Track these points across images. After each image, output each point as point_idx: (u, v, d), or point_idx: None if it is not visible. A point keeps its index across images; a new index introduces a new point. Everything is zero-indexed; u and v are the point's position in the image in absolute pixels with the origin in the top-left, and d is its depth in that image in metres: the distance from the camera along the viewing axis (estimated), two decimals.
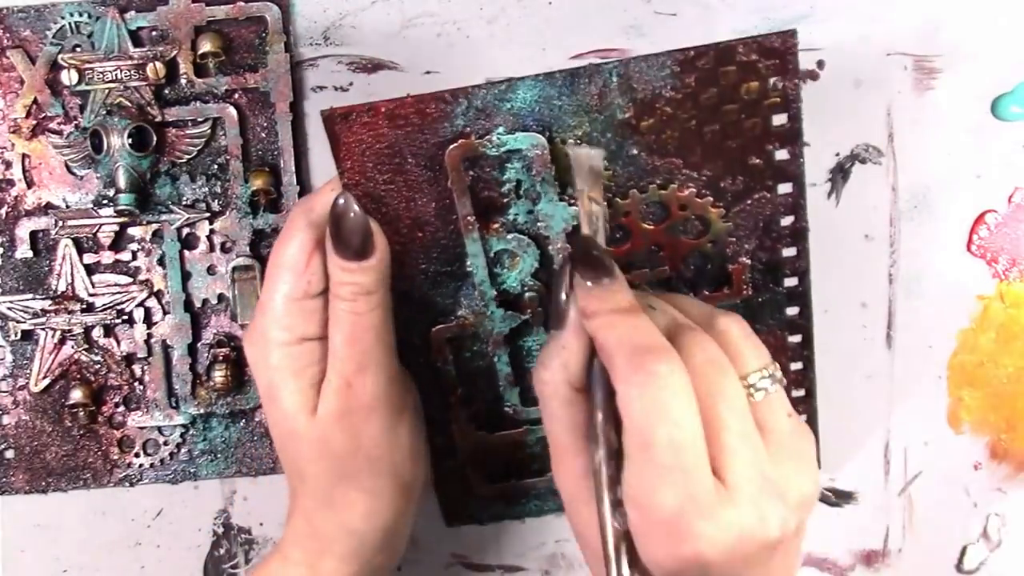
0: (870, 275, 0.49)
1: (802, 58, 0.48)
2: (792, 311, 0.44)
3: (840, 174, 0.49)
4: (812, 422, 0.46)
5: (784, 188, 0.41)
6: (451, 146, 0.39)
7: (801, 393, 0.46)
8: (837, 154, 0.49)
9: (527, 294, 0.42)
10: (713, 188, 0.41)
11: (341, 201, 0.38)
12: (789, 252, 0.43)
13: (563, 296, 0.37)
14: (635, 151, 0.40)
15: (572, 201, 0.41)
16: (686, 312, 0.38)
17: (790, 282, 0.43)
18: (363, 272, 0.38)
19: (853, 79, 0.48)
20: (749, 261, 0.42)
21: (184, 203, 0.48)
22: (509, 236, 0.41)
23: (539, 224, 0.41)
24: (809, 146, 0.48)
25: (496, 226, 0.41)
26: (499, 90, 0.39)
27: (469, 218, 0.41)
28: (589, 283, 0.36)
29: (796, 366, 0.45)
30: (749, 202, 0.42)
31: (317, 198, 0.40)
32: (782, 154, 0.41)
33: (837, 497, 0.51)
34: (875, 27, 0.48)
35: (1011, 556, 0.51)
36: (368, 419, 0.39)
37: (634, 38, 0.48)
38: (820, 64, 0.48)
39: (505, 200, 0.41)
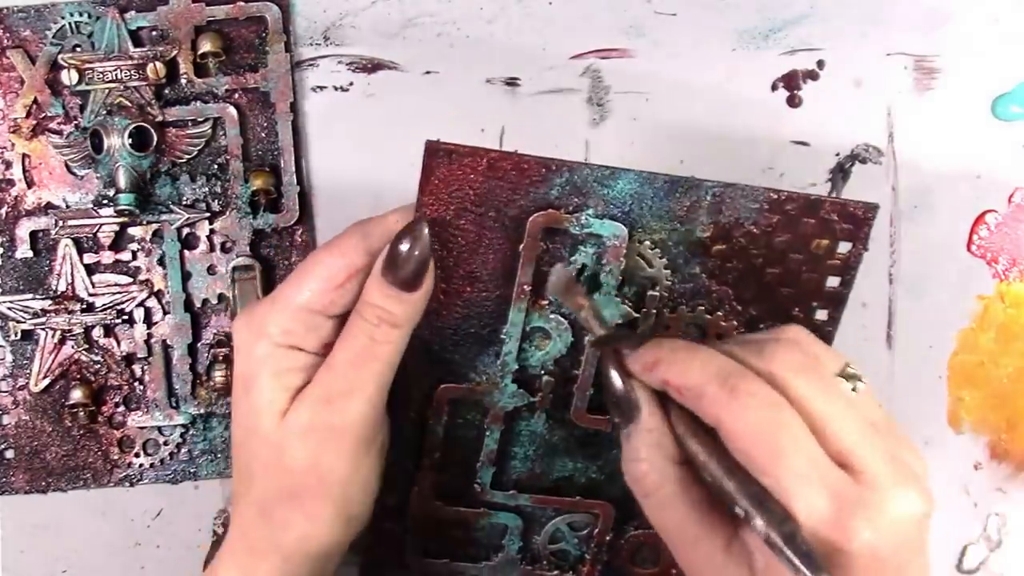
0: (870, 275, 0.49)
1: (802, 58, 0.48)
2: None
3: (840, 174, 0.49)
4: None
5: None
6: (538, 213, 0.39)
7: None
8: (837, 154, 0.49)
9: (544, 377, 0.42)
10: (752, 328, 0.42)
11: (416, 229, 0.37)
12: None
13: (619, 384, 0.36)
14: (697, 270, 0.41)
15: (624, 300, 0.41)
16: (747, 341, 0.37)
17: None
18: (400, 303, 0.37)
19: (853, 79, 0.48)
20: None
21: (184, 203, 0.48)
22: (551, 316, 0.41)
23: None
24: (809, 146, 0.48)
25: (544, 303, 0.41)
26: (602, 174, 0.39)
27: (525, 287, 0.40)
28: (630, 350, 0.36)
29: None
30: None
31: (378, 225, 0.38)
32: (822, 315, 0.42)
33: None
34: (875, 27, 0.48)
35: (1011, 556, 0.51)
36: (334, 443, 0.37)
37: (634, 38, 0.48)
38: (820, 64, 0.48)
39: None
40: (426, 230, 0.37)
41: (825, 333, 0.42)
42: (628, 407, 0.36)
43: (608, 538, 0.45)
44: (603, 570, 0.46)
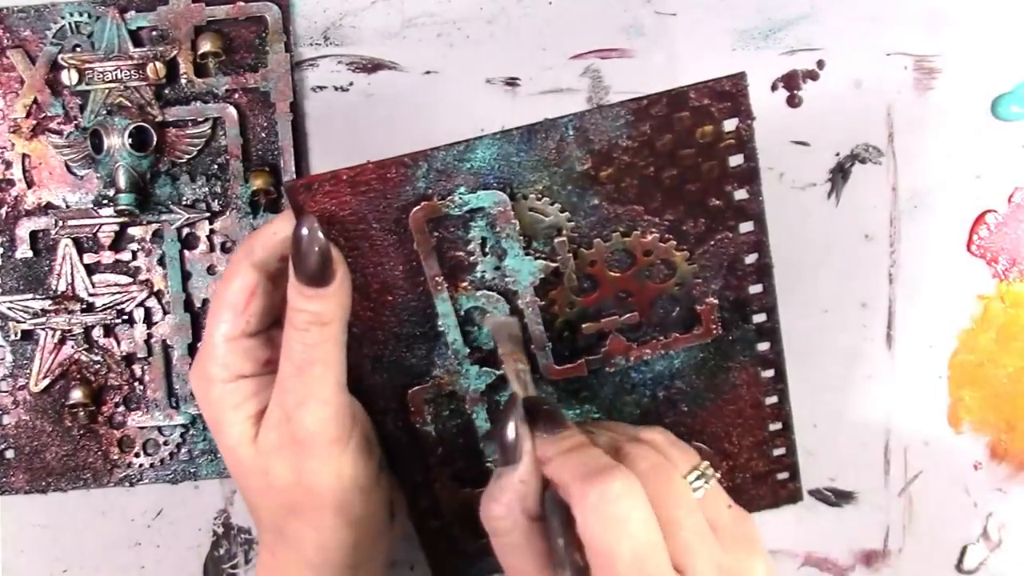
0: (870, 275, 0.49)
1: (802, 58, 0.48)
2: (763, 347, 0.44)
3: (840, 174, 0.49)
4: (791, 453, 0.47)
5: (746, 227, 0.42)
6: (414, 209, 0.40)
7: (778, 427, 0.46)
8: (837, 154, 0.49)
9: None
10: (676, 232, 0.42)
11: (303, 225, 0.37)
12: (756, 289, 0.43)
13: (511, 435, 0.37)
14: (596, 201, 0.41)
15: (537, 255, 0.41)
16: (616, 431, 0.41)
17: (759, 318, 0.44)
18: (320, 300, 0.38)
19: (853, 79, 0.48)
20: (716, 301, 0.43)
21: (184, 203, 0.48)
22: (478, 293, 0.42)
23: (507, 279, 0.41)
24: (809, 146, 0.48)
25: (465, 284, 0.41)
26: (458, 151, 0.39)
27: (437, 278, 0.41)
28: (545, 434, 0.37)
29: (771, 400, 0.45)
30: (712, 243, 0.42)
31: (258, 238, 0.39)
32: (741, 194, 0.41)
33: (837, 497, 0.51)
34: (875, 27, 0.48)
35: (1011, 556, 0.51)
36: (306, 453, 0.38)
37: (634, 38, 0.48)
38: (820, 64, 0.48)
39: (472, 258, 0.41)
40: (315, 223, 0.38)
41: (752, 210, 0.42)
42: (511, 455, 0.37)
43: None
44: None
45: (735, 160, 0.41)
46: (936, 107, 0.49)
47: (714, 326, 0.43)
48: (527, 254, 0.41)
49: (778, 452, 0.46)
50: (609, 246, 0.41)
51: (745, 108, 0.40)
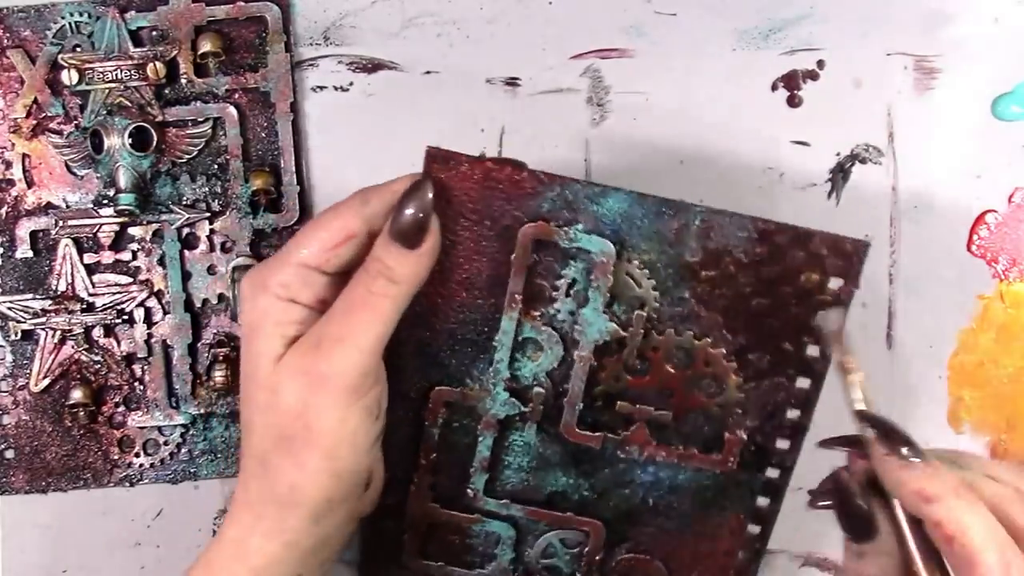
0: (870, 275, 0.49)
1: (802, 58, 0.48)
2: (763, 502, 0.44)
3: (840, 174, 0.49)
4: None
5: (803, 383, 0.42)
6: (529, 224, 0.40)
7: None
8: (837, 154, 0.49)
9: (535, 389, 0.43)
10: (741, 356, 0.42)
11: (420, 186, 0.38)
12: (783, 444, 0.43)
13: (859, 500, 0.35)
14: (687, 295, 0.41)
15: (612, 318, 0.42)
16: (998, 475, 0.36)
17: (772, 473, 0.44)
18: (400, 258, 0.38)
19: (853, 79, 0.48)
20: (745, 437, 0.43)
21: (184, 203, 0.48)
22: (543, 328, 0.42)
23: (576, 327, 0.42)
24: (809, 146, 0.48)
25: (536, 314, 0.42)
26: (593, 191, 0.40)
27: (516, 296, 0.41)
28: (916, 459, 0.34)
29: (744, 555, 0.45)
30: (767, 383, 0.42)
31: (378, 192, 0.40)
32: (813, 351, 0.42)
33: None
34: (875, 27, 0.48)
35: None
36: (321, 388, 0.38)
37: (634, 38, 0.48)
38: (820, 64, 0.48)
39: (554, 293, 0.42)
40: (429, 187, 0.38)
41: (816, 371, 0.42)
42: (864, 526, 0.35)
43: (598, 558, 0.46)
44: None
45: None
46: (936, 107, 0.49)
47: (732, 459, 0.43)
48: (604, 312, 0.41)
49: None
50: (678, 341, 0.42)
51: (855, 272, 0.41)
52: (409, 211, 0.38)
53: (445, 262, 0.41)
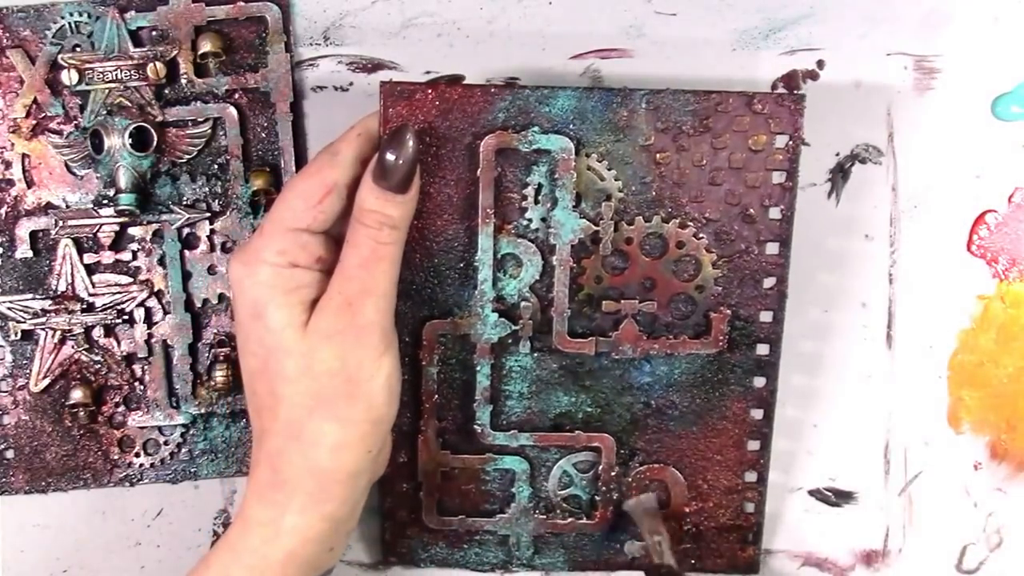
0: (870, 275, 0.49)
1: (802, 58, 0.48)
2: (759, 382, 0.45)
3: (840, 174, 0.49)
4: (759, 513, 0.47)
5: (772, 248, 0.44)
6: (488, 136, 0.42)
7: (753, 478, 0.46)
8: (837, 154, 0.49)
9: (522, 304, 0.44)
10: (710, 232, 0.44)
11: (406, 134, 0.39)
12: (766, 316, 0.44)
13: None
14: (649, 179, 0.43)
15: (583, 215, 0.43)
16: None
17: (762, 349, 0.45)
18: (395, 205, 0.39)
19: (853, 79, 0.48)
20: (729, 312, 0.44)
21: (184, 203, 0.48)
22: (519, 241, 0.43)
23: (550, 231, 0.43)
24: (809, 146, 0.48)
25: (510, 227, 0.43)
26: (542, 93, 0.42)
27: (488, 210, 0.43)
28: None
29: (753, 445, 0.46)
30: (737, 254, 0.44)
31: (343, 142, 0.41)
32: (775, 212, 0.43)
33: (837, 497, 0.51)
34: (875, 27, 0.48)
35: (1011, 556, 0.51)
36: (359, 341, 0.39)
37: (634, 38, 0.48)
38: (820, 64, 0.48)
39: (524, 203, 0.43)
40: (411, 132, 0.39)
41: (781, 233, 0.43)
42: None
43: (613, 474, 0.46)
44: (614, 510, 0.47)
45: (777, 177, 0.43)
46: (936, 107, 0.49)
47: (722, 338, 0.44)
48: (575, 210, 0.43)
49: (748, 508, 0.47)
50: (649, 227, 0.43)
51: (797, 127, 0.43)
52: (398, 159, 0.39)
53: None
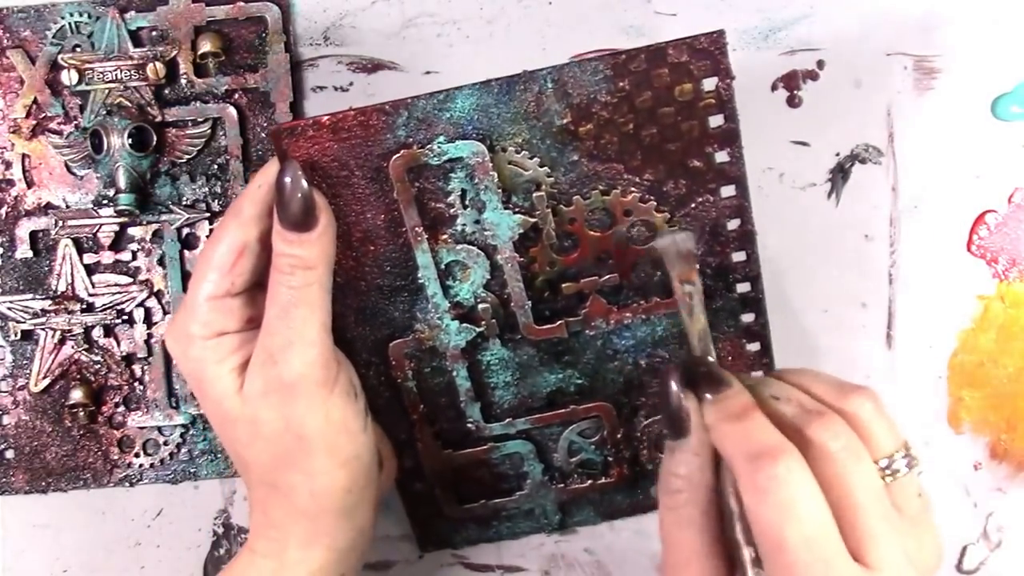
0: (870, 275, 0.49)
1: (802, 58, 0.48)
2: (747, 318, 0.44)
3: (840, 174, 0.49)
4: None
5: (727, 191, 0.42)
6: (394, 157, 0.40)
7: None
8: (837, 154, 0.49)
9: (480, 306, 0.43)
10: (656, 192, 0.42)
11: (287, 171, 0.38)
12: (739, 257, 0.43)
13: (677, 403, 0.36)
14: (575, 157, 0.41)
15: (516, 209, 0.41)
16: (814, 392, 0.37)
17: (743, 287, 0.43)
18: (302, 245, 0.38)
19: (853, 79, 0.48)
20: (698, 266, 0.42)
21: (184, 203, 0.48)
22: (459, 247, 0.42)
23: (487, 233, 0.42)
24: (809, 146, 0.48)
25: (445, 237, 0.42)
26: (438, 100, 0.40)
27: (417, 229, 0.41)
28: (709, 396, 0.36)
29: (756, 375, 0.45)
30: (693, 206, 0.42)
31: (245, 196, 0.39)
32: (722, 156, 0.41)
33: None
34: (875, 27, 0.48)
35: (1011, 556, 0.51)
36: (292, 397, 0.38)
37: (634, 38, 0.48)
38: (820, 64, 0.48)
39: (452, 211, 0.41)
40: (297, 169, 0.38)
41: (733, 173, 0.41)
42: (680, 425, 0.37)
43: (620, 435, 0.46)
44: (630, 466, 0.46)
45: (715, 121, 0.40)
46: (936, 107, 0.49)
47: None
48: (506, 208, 0.41)
49: None
50: (589, 204, 0.41)
51: (724, 67, 0.40)
52: (291, 199, 0.38)
53: (341, 226, 0.41)
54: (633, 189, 0.41)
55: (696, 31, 0.48)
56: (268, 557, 0.40)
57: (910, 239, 0.49)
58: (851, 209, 0.49)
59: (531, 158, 0.41)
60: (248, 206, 0.39)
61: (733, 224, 0.42)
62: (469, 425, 0.45)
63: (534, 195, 0.41)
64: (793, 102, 0.49)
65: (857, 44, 0.48)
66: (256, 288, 0.40)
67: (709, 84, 0.40)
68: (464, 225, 0.42)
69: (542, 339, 0.43)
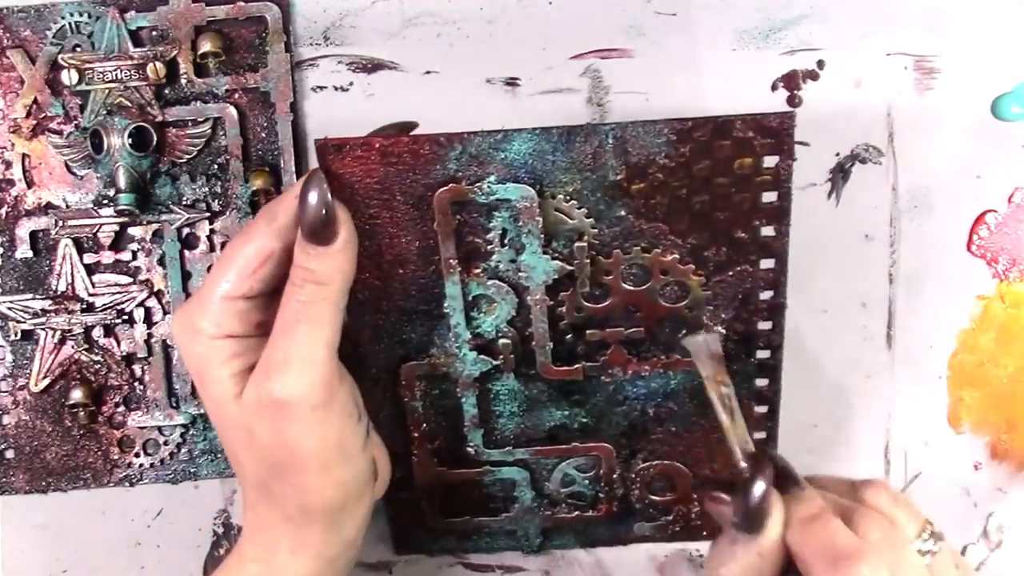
0: (870, 275, 0.49)
1: (802, 58, 0.48)
2: (761, 383, 0.44)
3: (840, 174, 0.49)
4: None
5: (767, 264, 0.42)
6: (441, 189, 0.40)
7: None
8: (837, 154, 0.49)
9: (501, 340, 0.43)
10: (696, 256, 0.42)
11: (312, 183, 0.37)
12: (765, 325, 0.43)
13: (762, 499, 0.36)
14: (623, 213, 0.41)
15: (555, 255, 0.41)
16: (830, 489, 0.38)
17: (763, 355, 0.44)
18: (319, 258, 0.37)
19: (853, 79, 0.48)
20: (724, 331, 0.43)
21: (184, 203, 0.48)
22: (489, 282, 0.42)
23: (520, 274, 0.41)
24: (809, 146, 0.48)
25: (477, 271, 0.41)
26: (495, 139, 0.39)
27: (451, 261, 0.41)
28: (784, 495, 0.37)
29: (759, 435, 0.45)
30: (731, 274, 0.42)
31: (281, 206, 0.39)
32: (768, 231, 0.41)
33: None
34: (875, 27, 0.48)
35: (1011, 556, 0.51)
36: (285, 415, 0.38)
37: (634, 38, 0.48)
38: (820, 64, 0.48)
39: (489, 247, 0.41)
40: (320, 178, 0.37)
41: (776, 248, 0.41)
42: (759, 521, 0.36)
43: (616, 475, 0.46)
44: (620, 503, 0.47)
45: (768, 196, 0.41)
46: (936, 107, 0.49)
47: None
48: (545, 253, 0.41)
49: None
50: (628, 259, 0.41)
51: (788, 147, 0.40)
52: (311, 209, 0.37)
53: (371, 246, 0.40)
54: (674, 251, 0.41)
55: (696, 31, 0.48)
56: (256, 561, 0.40)
57: (910, 239, 0.49)
58: (851, 209, 0.49)
59: (579, 208, 0.41)
60: (283, 214, 0.38)
61: (766, 295, 0.42)
62: (469, 449, 0.45)
63: (575, 244, 0.41)
64: (793, 102, 0.49)
65: (857, 44, 0.48)
66: (273, 295, 0.39)
67: (769, 161, 0.40)
68: (499, 263, 0.41)
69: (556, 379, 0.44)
